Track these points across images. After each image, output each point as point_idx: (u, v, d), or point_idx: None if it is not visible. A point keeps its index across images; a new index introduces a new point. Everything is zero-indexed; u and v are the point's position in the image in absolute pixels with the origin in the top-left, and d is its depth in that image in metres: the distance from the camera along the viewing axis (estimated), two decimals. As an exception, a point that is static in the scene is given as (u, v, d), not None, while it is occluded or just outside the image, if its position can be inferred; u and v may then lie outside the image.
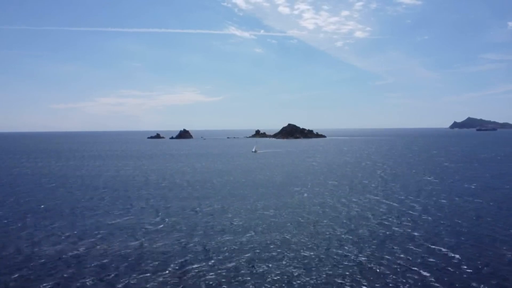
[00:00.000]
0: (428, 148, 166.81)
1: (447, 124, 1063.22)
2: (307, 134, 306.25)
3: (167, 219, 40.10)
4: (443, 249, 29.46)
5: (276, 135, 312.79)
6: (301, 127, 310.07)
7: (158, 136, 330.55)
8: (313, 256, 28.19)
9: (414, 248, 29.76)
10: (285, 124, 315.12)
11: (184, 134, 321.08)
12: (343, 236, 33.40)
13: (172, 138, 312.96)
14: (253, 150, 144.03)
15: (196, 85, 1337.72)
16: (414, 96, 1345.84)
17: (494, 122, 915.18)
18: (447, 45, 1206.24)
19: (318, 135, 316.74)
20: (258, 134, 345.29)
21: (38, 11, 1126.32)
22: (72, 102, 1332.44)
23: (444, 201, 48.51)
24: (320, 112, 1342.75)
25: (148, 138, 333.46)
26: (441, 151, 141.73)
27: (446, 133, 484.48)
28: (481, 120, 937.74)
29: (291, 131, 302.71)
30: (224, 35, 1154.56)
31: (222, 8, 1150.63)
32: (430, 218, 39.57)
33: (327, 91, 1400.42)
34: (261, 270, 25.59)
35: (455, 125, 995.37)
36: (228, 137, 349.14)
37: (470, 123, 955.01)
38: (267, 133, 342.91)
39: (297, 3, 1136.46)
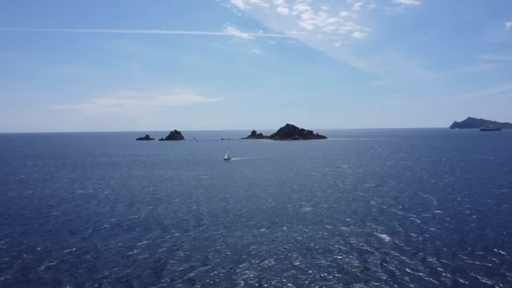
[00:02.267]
0: (465, 151, 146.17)
1: (446, 124, 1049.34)
2: (307, 135, 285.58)
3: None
4: None
5: (273, 136, 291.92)
6: (300, 128, 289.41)
7: (147, 137, 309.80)
8: None
9: None
10: (284, 125, 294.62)
11: (174, 136, 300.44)
12: None
13: (161, 139, 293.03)
14: (225, 157, 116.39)
15: (195, 86, 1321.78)
16: (413, 96, 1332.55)
17: (494, 122, 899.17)
18: (445, 46, 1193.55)
19: (318, 136, 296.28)
20: (254, 135, 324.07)
21: (38, 13, 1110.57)
22: (70, 103, 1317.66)
23: None
24: (319, 112, 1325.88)
25: (137, 139, 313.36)
26: (487, 155, 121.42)
27: (451, 134, 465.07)
28: (481, 120, 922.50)
29: (289, 132, 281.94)
30: (223, 36, 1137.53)
31: (221, 9, 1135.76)
32: None
33: (326, 91, 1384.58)
34: None
35: (455, 125, 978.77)
36: (222, 139, 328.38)
37: (470, 123, 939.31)
38: (263, 134, 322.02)
39: (296, 3, 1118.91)
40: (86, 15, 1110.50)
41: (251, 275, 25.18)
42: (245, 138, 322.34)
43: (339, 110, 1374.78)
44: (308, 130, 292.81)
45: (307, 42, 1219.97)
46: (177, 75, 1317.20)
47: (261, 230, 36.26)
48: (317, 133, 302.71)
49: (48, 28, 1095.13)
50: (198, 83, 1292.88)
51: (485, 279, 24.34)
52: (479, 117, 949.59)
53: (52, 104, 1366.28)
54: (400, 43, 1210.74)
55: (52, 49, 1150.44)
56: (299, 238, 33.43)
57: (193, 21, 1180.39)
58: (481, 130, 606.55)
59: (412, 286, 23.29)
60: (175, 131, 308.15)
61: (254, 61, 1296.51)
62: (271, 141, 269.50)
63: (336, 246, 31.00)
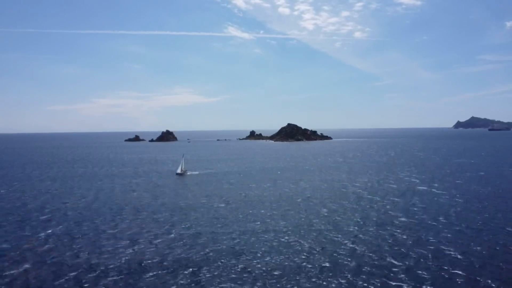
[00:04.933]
0: None
1: (447, 123, 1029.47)
2: (310, 135, 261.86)
3: None
4: None
5: (273, 137, 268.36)
6: (303, 128, 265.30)
7: (137, 138, 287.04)
8: None
9: None
10: (285, 125, 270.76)
11: (166, 136, 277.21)
12: None
13: (152, 140, 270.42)
14: (178, 171, 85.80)
15: (195, 86, 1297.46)
16: (414, 97, 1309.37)
17: (499, 122, 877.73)
18: (446, 46, 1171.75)
19: (323, 137, 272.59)
20: (253, 135, 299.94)
21: (38, 14, 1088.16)
22: (70, 103, 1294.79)
23: None
24: (320, 113, 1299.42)
25: (126, 140, 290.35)
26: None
27: (459, 134, 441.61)
28: (485, 119, 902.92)
29: (291, 133, 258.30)
30: (224, 37, 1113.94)
31: (222, 9, 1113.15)
32: None
33: (327, 92, 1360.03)
34: None
35: (459, 124, 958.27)
36: (218, 140, 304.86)
37: (474, 122, 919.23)
38: (263, 135, 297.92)
39: (297, 3, 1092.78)
40: (86, 16, 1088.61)
41: None
42: (243, 138, 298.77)
43: (340, 111, 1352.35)
44: (312, 130, 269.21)
45: (308, 42, 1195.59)
46: (178, 75, 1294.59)
47: None
48: (321, 134, 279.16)
49: (49, 29, 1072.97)
50: (199, 83, 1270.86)
51: None
52: (482, 117, 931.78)
53: (51, 105, 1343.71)
54: (401, 43, 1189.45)
55: (53, 50, 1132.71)
56: None
57: (194, 22, 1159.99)
58: (490, 129, 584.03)
59: None
60: (167, 131, 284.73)
61: (255, 62, 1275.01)
62: (271, 142, 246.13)
63: None
